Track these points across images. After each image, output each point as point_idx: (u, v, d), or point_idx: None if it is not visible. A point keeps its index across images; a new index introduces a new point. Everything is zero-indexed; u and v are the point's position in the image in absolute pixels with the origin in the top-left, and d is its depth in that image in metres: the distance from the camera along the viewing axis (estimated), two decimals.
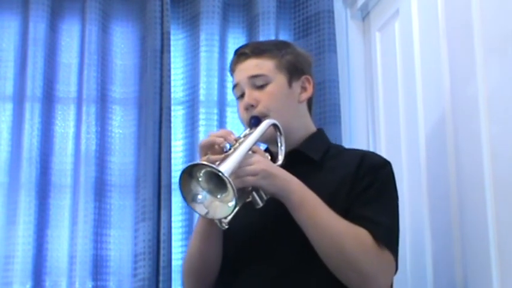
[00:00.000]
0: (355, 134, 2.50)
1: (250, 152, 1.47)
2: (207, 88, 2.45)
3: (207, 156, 1.46)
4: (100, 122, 2.39)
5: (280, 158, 1.57)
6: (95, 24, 2.42)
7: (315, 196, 1.48)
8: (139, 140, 2.40)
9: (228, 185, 1.33)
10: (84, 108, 2.37)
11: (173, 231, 2.31)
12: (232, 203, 1.35)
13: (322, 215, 1.47)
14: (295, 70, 1.68)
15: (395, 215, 1.56)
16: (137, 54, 2.50)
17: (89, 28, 2.42)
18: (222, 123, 2.44)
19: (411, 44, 2.07)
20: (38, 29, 2.38)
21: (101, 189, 2.34)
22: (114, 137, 2.43)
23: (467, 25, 1.72)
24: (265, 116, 1.61)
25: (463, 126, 1.75)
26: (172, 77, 2.44)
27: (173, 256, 2.28)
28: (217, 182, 1.37)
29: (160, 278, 2.23)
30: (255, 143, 1.51)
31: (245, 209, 1.46)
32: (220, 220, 1.45)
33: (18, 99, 2.36)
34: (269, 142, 1.66)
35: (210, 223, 1.52)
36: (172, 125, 2.39)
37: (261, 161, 1.46)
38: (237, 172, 1.39)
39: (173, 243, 2.29)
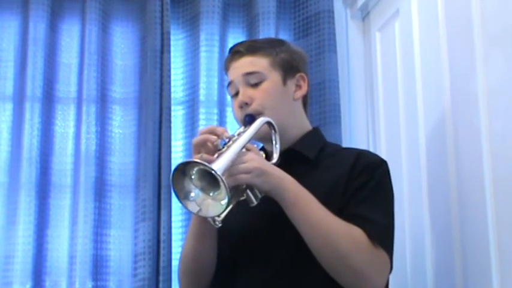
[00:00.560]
0: (355, 134, 2.50)
1: (244, 150, 1.46)
2: (207, 88, 2.45)
3: (200, 154, 1.45)
4: (100, 122, 2.39)
5: (275, 156, 1.56)
6: (95, 24, 2.42)
7: (309, 194, 1.47)
8: (139, 140, 2.40)
9: (221, 183, 1.33)
10: (84, 108, 2.37)
11: (173, 231, 2.31)
12: (224, 201, 1.34)
13: (316, 213, 1.46)
14: (289, 68, 1.67)
15: (390, 214, 1.55)
16: (137, 54, 2.50)
17: (89, 28, 2.42)
18: (222, 123, 2.44)
19: (411, 44, 2.07)
20: (38, 29, 2.38)
21: (101, 189, 2.34)
22: (114, 137, 2.43)
23: (467, 25, 1.72)
24: (259, 114, 1.60)
25: (463, 126, 1.75)
26: (172, 77, 2.44)
27: (173, 256, 2.28)
28: (210, 180, 1.36)
29: (160, 278, 2.23)
30: (249, 141, 1.50)
31: (240, 208, 1.45)
32: (213, 218, 1.45)
33: (18, 99, 2.36)
34: (264, 140, 1.65)
35: (204, 222, 1.52)
36: (172, 125, 2.39)
37: (255, 159, 1.46)
38: (230, 170, 1.38)
39: (173, 243, 2.29)
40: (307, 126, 1.72)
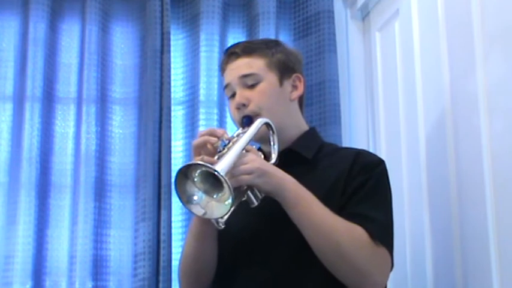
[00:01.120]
0: (355, 134, 2.50)
1: (244, 151, 1.46)
2: (207, 88, 2.45)
3: (201, 157, 1.46)
4: (100, 122, 2.39)
5: (274, 157, 1.57)
6: (95, 24, 2.42)
7: (310, 194, 1.48)
8: (139, 140, 2.40)
9: (224, 184, 1.33)
10: (84, 108, 2.37)
11: (173, 231, 2.31)
12: (228, 202, 1.34)
13: (317, 213, 1.46)
14: (285, 68, 1.68)
15: (389, 212, 1.56)
16: (137, 54, 2.50)
17: (89, 28, 2.42)
18: (222, 123, 2.44)
19: (411, 44, 2.07)
20: (38, 29, 2.38)
21: (101, 189, 2.34)
22: (114, 137, 2.43)
23: (467, 25, 1.72)
24: (257, 115, 1.60)
25: (463, 126, 1.75)
26: (172, 77, 2.44)
27: (173, 256, 2.28)
28: (213, 182, 1.36)
29: (160, 278, 2.23)
30: (249, 142, 1.51)
31: (240, 209, 1.45)
32: (217, 220, 1.45)
33: (18, 99, 2.36)
34: (262, 141, 1.66)
35: (204, 223, 1.52)
36: (172, 125, 2.39)
37: (256, 160, 1.46)
38: (232, 171, 1.39)
39: (173, 243, 2.29)
40: (304, 127, 1.73)
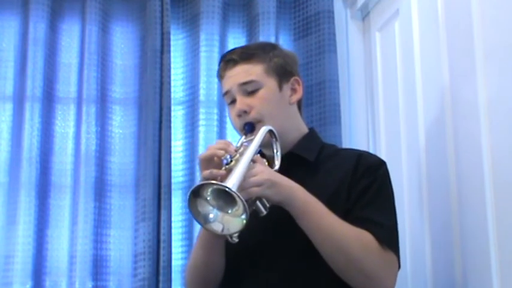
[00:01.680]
0: (355, 134, 2.50)
1: (251, 163, 1.47)
2: (207, 88, 2.45)
3: (209, 171, 1.45)
4: (100, 122, 2.39)
5: (277, 163, 1.58)
6: (95, 24, 2.42)
7: (317, 201, 1.49)
8: (139, 140, 2.40)
9: (238, 199, 1.34)
10: (84, 108, 2.37)
11: (173, 231, 2.31)
12: (243, 216, 1.35)
13: (326, 220, 1.48)
14: (284, 72, 1.68)
15: (394, 214, 1.58)
16: (137, 54, 2.50)
17: (89, 28, 2.42)
18: (222, 123, 2.44)
19: (411, 44, 2.07)
20: (38, 29, 2.38)
21: (101, 189, 2.34)
22: (114, 137, 2.43)
23: (467, 25, 1.72)
24: (259, 122, 1.61)
25: (463, 125, 1.75)
26: (172, 77, 2.44)
27: (173, 256, 2.28)
28: (225, 198, 1.37)
29: (160, 278, 2.23)
30: (256, 152, 1.51)
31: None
32: (230, 235, 1.45)
33: (18, 99, 2.36)
34: (263, 147, 1.66)
35: (214, 234, 1.52)
36: (172, 125, 2.39)
37: (264, 171, 1.47)
38: (242, 184, 1.39)
39: (173, 243, 2.29)
40: (304, 129, 1.74)
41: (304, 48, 2.50)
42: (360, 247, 1.47)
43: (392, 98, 2.23)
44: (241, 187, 1.39)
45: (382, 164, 1.62)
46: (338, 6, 2.57)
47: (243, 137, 1.60)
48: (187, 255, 2.35)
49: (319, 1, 2.50)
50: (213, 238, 1.55)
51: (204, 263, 1.60)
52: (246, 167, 1.42)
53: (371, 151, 2.37)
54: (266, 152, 1.65)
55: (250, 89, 1.64)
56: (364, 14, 2.56)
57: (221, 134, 2.43)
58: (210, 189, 1.38)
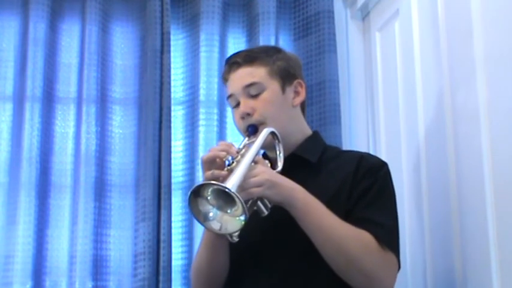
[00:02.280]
0: (355, 134, 2.50)
1: (253, 164, 1.48)
2: (207, 88, 2.45)
3: (211, 172, 1.46)
4: (100, 122, 2.39)
5: (280, 165, 1.59)
6: (95, 24, 2.42)
7: (318, 202, 1.50)
8: (139, 140, 2.40)
9: (237, 200, 1.35)
10: (84, 108, 2.37)
11: (173, 231, 2.31)
12: (242, 217, 1.37)
13: (326, 220, 1.49)
14: (287, 75, 1.70)
15: (395, 215, 1.58)
16: (137, 54, 2.50)
17: (89, 28, 2.42)
18: (222, 123, 2.44)
19: (411, 44, 2.07)
20: (38, 29, 2.38)
21: (101, 189, 2.34)
22: (114, 137, 2.43)
23: (467, 25, 1.72)
24: (261, 124, 1.63)
25: (462, 125, 1.75)
26: (172, 77, 2.44)
27: (173, 256, 2.28)
28: (225, 198, 1.38)
29: (160, 278, 2.23)
30: (257, 153, 1.52)
31: (249, 217, 1.47)
32: (230, 234, 1.46)
33: (18, 99, 2.36)
34: (267, 148, 1.68)
35: (216, 234, 1.53)
36: (172, 125, 2.39)
37: (265, 172, 1.48)
38: (242, 185, 1.40)
39: (173, 243, 2.29)
40: (308, 131, 1.75)
41: (304, 48, 2.51)
42: (359, 247, 1.48)
43: (392, 98, 2.23)
44: (242, 187, 1.40)
45: (383, 165, 1.63)
46: (338, 6, 2.57)
47: (246, 138, 1.61)
48: (187, 255, 2.35)
49: (319, 1, 2.50)
50: (216, 238, 1.56)
51: (208, 263, 1.62)
52: (247, 168, 1.43)
53: (371, 151, 2.37)
54: (270, 154, 1.67)
55: (253, 91, 1.65)
56: (364, 14, 2.56)
57: (221, 134, 2.44)
58: (210, 189, 1.39)
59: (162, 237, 2.25)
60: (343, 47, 2.55)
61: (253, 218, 1.47)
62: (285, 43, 2.53)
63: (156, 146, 2.33)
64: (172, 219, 2.31)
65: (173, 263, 2.28)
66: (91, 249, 2.27)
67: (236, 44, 2.55)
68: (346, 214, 1.53)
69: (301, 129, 1.73)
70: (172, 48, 2.45)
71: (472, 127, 1.68)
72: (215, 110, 2.44)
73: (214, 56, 2.47)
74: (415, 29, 2.06)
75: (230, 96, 1.70)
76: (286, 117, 1.68)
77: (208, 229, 1.44)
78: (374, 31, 2.46)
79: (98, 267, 2.29)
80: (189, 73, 2.51)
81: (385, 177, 1.60)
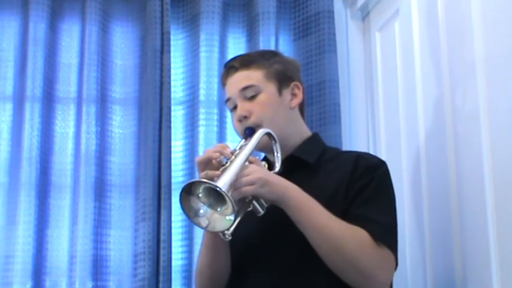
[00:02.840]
0: (355, 134, 2.50)
1: (246, 163, 1.49)
2: (207, 88, 2.45)
3: (205, 172, 1.49)
4: (100, 122, 2.39)
5: (277, 165, 1.60)
6: (95, 24, 2.42)
7: (313, 200, 1.51)
8: (139, 140, 2.40)
9: (226, 199, 1.37)
10: (84, 108, 2.37)
11: (173, 231, 2.31)
12: (230, 217, 1.39)
13: (321, 218, 1.49)
14: (284, 78, 1.70)
15: (392, 212, 1.58)
16: (137, 54, 2.50)
17: (89, 28, 2.42)
18: (222, 123, 2.44)
19: (411, 44, 2.07)
20: (38, 29, 2.38)
21: (101, 189, 2.34)
22: (114, 137, 2.43)
23: (467, 25, 1.72)
24: (258, 126, 1.63)
25: (462, 125, 1.75)
26: (172, 77, 2.44)
27: (173, 256, 2.28)
28: (216, 196, 1.40)
29: (160, 278, 2.23)
30: (251, 154, 1.54)
31: (246, 216, 1.48)
32: (223, 232, 1.47)
33: (18, 99, 2.36)
34: (266, 151, 1.69)
35: (216, 235, 1.54)
36: (172, 125, 2.39)
37: (257, 170, 1.49)
38: (234, 184, 1.42)
39: (173, 243, 2.29)
40: (307, 133, 1.75)
41: (304, 48, 2.51)
42: (354, 245, 1.48)
43: (393, 98, 2.23)
44: (234, 186, 1.42)
45: (381, 164, 1.63)
46: (338, 6, 2.57)
47: (243, 140, 1.62)
48: (187, 255, 2.35)
49: (319, 1, 2.50)
50: (216, 238, 1.57)
51: (209, 265, 1.63)
52: (239, 167, 1.45)
53: (371, 151, 2.37)
54: (270, 157, 1.68)
55: (249, 94, 1.67)
56: (364, 14, 2.56)
57: (221, 133, 2.44)
58: (201, 188, 1.42)
59: (162, 237, 2.25)
60: (343, 47, 2.55)
61: (252, 219, 1.49)
62: (285, 43, 2.53)
63: (156, 146, 2.33)
64: (172, 219, 2.31)
65: (173, 263, 2.28)
66: (91, 249, 2.27)
67: (236, 44, 2.55)
68: (343, 213, 1.53)
69: (300, 131, 1.73)
70: (172, 48, 2.45)
71: (471, 127, 1.68)
72: (215, 110, 2.44)
73: (214, 56, 2.47)
74: (415, 29, 2.06)
75: (228, 99, 1.72)
76: (284, 119, 1.68)
77: (195, 224, 1.46)
78: (374, 31, 2.46)
79: (98, 267, 2.29)
80: (189, 73, 2.51)
81: (383, 176, 1.60)
